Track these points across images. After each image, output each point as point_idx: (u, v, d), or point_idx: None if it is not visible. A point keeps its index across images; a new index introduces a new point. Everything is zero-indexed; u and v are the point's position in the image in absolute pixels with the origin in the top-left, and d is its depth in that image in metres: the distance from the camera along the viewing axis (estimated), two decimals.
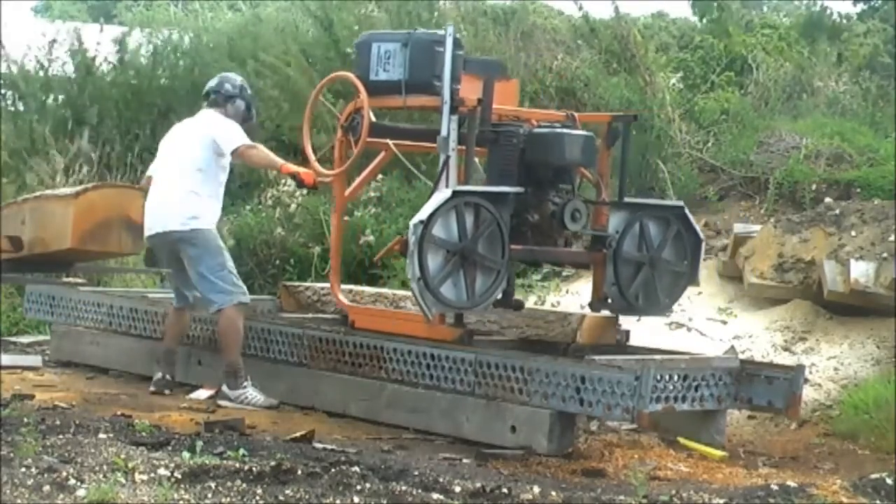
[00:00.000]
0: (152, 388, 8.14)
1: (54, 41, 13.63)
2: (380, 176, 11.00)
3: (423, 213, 6.96)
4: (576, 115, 7.90)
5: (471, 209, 7.11)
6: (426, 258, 6.96)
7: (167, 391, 8.11)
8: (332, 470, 5.32)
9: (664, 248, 7.75)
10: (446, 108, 7.24)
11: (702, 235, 7.93)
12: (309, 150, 7.97)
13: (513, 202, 7.31)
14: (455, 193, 7.06)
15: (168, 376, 8.19)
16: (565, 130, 7.51)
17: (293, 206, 11.10)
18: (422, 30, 7.98)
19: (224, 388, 7.93)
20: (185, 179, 7.98)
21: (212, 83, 8.26)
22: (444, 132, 7.25)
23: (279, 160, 8.05)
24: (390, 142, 7.93)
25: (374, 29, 10.79)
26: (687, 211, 7.86)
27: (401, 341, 7.56)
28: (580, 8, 14.19)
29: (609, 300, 7.70)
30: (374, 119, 7.70)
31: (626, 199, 7.75)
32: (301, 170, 7.93)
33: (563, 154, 7.38)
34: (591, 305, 7.90)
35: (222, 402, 7.84)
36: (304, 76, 12.22)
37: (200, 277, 7.97)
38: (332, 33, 12.65)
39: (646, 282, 7.72)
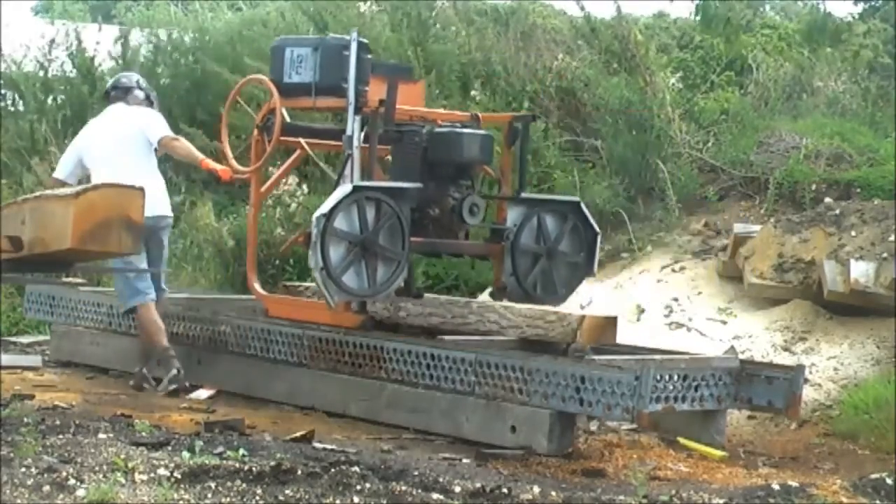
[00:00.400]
0: (172, 387, 8.11)
1: (53, 41, 13.62)
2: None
3: (325, 207, 7.40)
4: (479, 115, 8.43)
5: (372, 203, 7.55)
6: (328, 249, 7.38)
7: (187, 384, 8.15)
8: (332, 470, 5.32)
9: (561, 240, 8.30)
10: (351, 109, 7.66)
11: (597, 229, 8.42)
12: (226, 149, 8.43)
13: (413, 197, 7.76)
14: (355, 188, 7.50)
15: (176, 370, 8.19)
16: (464, 130, 7.98)
17: (293, 205, 11.10)
18: (332, 35, 8.55)
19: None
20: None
21: (109, 83, 8.81)
22: (348, 131, 7.68)
23: (200, 155, 8.42)
24: (303, 140, 8.36)
25: (369, 30, 11.40)
26: (583, 206, 8.41)
27: (401, 341, 7.58)
28: (582, 8, 14.21)
29: (507, 289, 8.20)
30: (288, 119, 8.25)
31: (524, 195, 8.25)
32: (218, 166, 8.35)
33: (462, 152, 7.87)
34: (491, 294, 8.39)
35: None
36: None
37: (164, 264, 8.44)
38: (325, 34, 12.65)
39: (543, 272, 8.26)
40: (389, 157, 8.22)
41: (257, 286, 8.51)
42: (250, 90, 9.96)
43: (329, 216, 7.36)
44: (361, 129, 7.70)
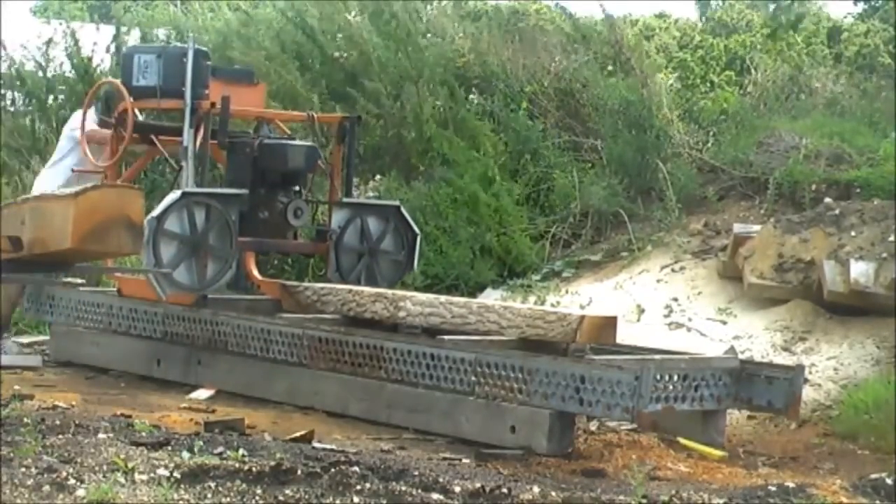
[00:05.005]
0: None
1: (50, 41, 13.61)
2: (378, 176, 11.03)
3: (157, 211, 8.15)
4: (315, 115, 9.39)
5: (202, 207, 8.29)
6: (160, 248, 8.11)
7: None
8: (332, 470, 5.31)
9: (383, 240, 9.09)
10: (187, 121, 8.47)
11: (416, 230, 9.24)
12: (85, 146, 9.04)
13: (241, 202, 8.50)
14: (184, 194, 8.26)
15: None
16: (290, 142, 8.88)
17: None
18: (175, 44, 9.45)
19: None
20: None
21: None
22: (184, 142, 8.46)
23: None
24: (154, 137, 9.00)
25: (355, 33, 12.23)
26: (402, 209, 9.23)
27: (401, 341, 7.58)
28: (561, 9, 14.24)
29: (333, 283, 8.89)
30: (141, 118, 9.03)
31: (346, 200, 9.06)
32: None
33: (287, 162, 8.67)
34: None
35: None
36: (294, 78, 12.12)
37: None
38: (315, 39, 12.61)
39: (366, 268, 9.05)
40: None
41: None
42: None
43: (160, 219, 8.10)
44: (198, 128, 8.43)
